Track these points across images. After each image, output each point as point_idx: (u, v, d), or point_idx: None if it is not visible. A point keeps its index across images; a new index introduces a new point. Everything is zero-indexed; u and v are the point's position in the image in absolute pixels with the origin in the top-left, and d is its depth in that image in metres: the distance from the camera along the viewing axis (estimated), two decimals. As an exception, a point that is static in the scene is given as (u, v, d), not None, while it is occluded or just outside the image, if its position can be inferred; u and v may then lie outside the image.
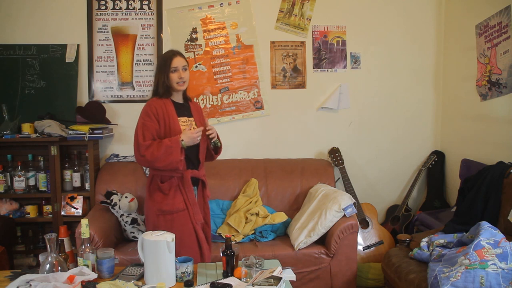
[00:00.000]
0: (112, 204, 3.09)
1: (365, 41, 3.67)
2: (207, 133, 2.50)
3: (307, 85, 3.66)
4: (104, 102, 3.53)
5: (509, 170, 2.72)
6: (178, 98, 2.54)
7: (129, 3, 3.53)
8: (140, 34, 3.55)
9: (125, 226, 3.08)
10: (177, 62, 2.44)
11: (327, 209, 2.93)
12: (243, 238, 3.09)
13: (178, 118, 2.46)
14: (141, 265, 2.02)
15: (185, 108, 2.54)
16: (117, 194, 3.16)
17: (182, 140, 2.34)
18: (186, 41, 3.56)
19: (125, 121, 3.58)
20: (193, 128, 2.46)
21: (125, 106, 3.58)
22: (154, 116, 2.41)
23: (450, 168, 3.65)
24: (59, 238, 2.03)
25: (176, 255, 1.98)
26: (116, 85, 3.57)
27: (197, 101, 3.60)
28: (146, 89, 3.59)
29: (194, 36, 3.57)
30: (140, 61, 3.57)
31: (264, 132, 3.67)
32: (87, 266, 1.93)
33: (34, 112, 3.34)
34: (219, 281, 1.89)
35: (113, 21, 3.53)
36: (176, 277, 1.94)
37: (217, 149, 2.63)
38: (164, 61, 2.46)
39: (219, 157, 3.57)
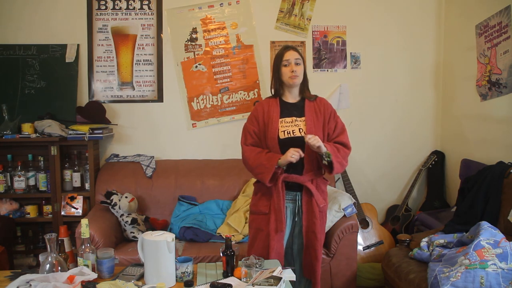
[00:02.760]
0: (112, 204, 3.09)
1: (365, 41, 3.67)
2: (305, 140, 2.21)
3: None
4: (104, 102, 3.53)
5: (509, 170, 2.72)
6: (291, 97, 2.42)
7: (129, 3, 3.53)
8: (140, 34, 3.55)
9: (125, 226, 3.08)
10: (290, 55, 2.35)
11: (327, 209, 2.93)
12: (243, 238, 3.08)
13: (282, 118, 2.34)
14: (141, 265, 2.01)
15: (296, 108, 2.39)
16: (117, 194, 3.16)
17: (279, 159, 2.25)
18: (186, 41, 3.57)
19: (125, 121, 3.58)
20: (300, 129, 2.31)
21: (125, 106, 3.58)
22: (255, 118, 2.41)
23: (450, 168, 3.65)
24: (59, 238, 2.03)
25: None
26: (116, 85, 3.57)
27: (198, 101, 3.60)
28: (146, 89, 3.59)
29: (194, 36, 3.58)
30: (140, 61, 3.57)
31: (264, 132, 3.67)
32: (87, 266, 1.93)
33: (34, 112, 3.34)
34: (219, 281, 1.89)
35: (113, 21, 3.53)
36: (176, 277, 1.94)
37: (330, 165, 2.27)
38: (277, 57, 2.39)
39: (219, 157, 3.60)
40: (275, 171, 2.26)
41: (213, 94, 3.61)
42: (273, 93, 2.46)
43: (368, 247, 3.42)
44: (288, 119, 2.35)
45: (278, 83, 2.41)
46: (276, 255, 2.31)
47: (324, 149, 2.22)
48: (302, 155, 2.24)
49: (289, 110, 2.38)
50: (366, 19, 3.65)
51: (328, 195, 3.04)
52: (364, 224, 3.49)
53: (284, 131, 2.32)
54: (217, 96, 3.62)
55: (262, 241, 2.35)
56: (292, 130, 2.32)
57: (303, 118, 2.35)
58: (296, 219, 2.39)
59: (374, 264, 3.26)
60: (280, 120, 2.35)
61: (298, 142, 2.28)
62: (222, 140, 3.64)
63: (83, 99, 3.54)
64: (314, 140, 2.18)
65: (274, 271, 1.88)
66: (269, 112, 2.37)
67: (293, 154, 2.21)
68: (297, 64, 2.35)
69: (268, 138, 2.33)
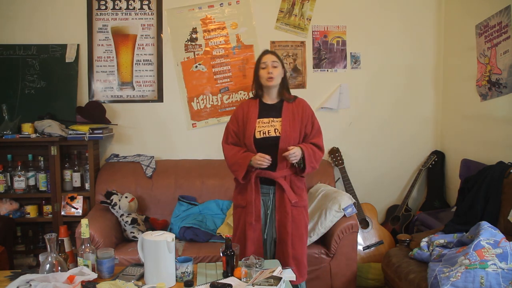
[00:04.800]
0: (112, 204, 3.09)
1: (365, 41, 3.67)
2: (283, 154, 2.37)
3: (307, 85, 3.66)
4: (104, 102, 3.53)
5: (509, 170, 2.72)
6: (270, 98, 2.54)
7: (129, 3, 3.53)
8: (140, 34, 3.55)
9: (125, 226, 3.08)
10: (267, 58, 2.49)
11: (327, 209, 2.94)
12: (243, 238, 3.08)
13: (260, 119, 2.46)
14: (141, 265, 2.02)
15: (274, 109, 2.50)
16: (117, 194, 3.16)
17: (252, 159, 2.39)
18: (186, 41, 3.56)
19: (125, 121, 3.58)
20: (276, 129, 2.42)
21: (125, 106, 3.58)
22: (235, 118, 2.54)
23: (450, 168, 3.65)
24: (59, 238, 2.03)
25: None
26: (116, 85, 3.57)
27: (198, 101, 3.60)
28: (146, 89, 3.59)
29: (194, 36, 3.58)
30: (140, 61, 3.57)
31: (264, 132, 3.67)
32: (87, 266, 1.93)
33: (34, 112, 3.34)
34: (219, 281, 1.89)
35: (113, 21, 3.53)
36: (176, 277, 1.94)
37: (302, 169, 2.44)
38: (257, 61, 2.54)
39: (219, 157, 3.58)
40: (248, 169, 2.40)
41: (213, 94, 3.61)
42: (254, 95, 2.58)
43: (368, 247, 3.42)
44: (266, 120, 2.47)
45: (257, 85, 2.54)
46: (252, 245, 2.43)
47: (297, 160, 2.37)
48: (269, 163, 2.36)
49: (267, 111, 2.50)
50: (366, 19, 3.65)
51: (328, 195, 3.08)
52: (364, 224, 3.49)
53: (260, 131, 2.44)
54: (217, 96, 3.62)
55: (241, 231, 2.48)
56: (268, 130, 2.44)
57: (280, 119, 2.45)
58: (269, 212, 2.47)
59: (374, 264, 3.26)
60: (258, 120, 2.47)
61: (272, 141, 2.41)
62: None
63: (83, 99, 3.53)
64: (292, 158, 2.33)
65: (274, 271, 1.88)
66: (248, 113, 2.50)
67: (259, 161, 2.35)
68: (274, 66, 2.47)
69: (246, 137, 2.46)
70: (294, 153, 2.34)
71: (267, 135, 2.43)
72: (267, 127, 2.44)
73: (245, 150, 2.46)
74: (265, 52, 2.54)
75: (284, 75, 2.54)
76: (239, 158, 2.44)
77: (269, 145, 2.40)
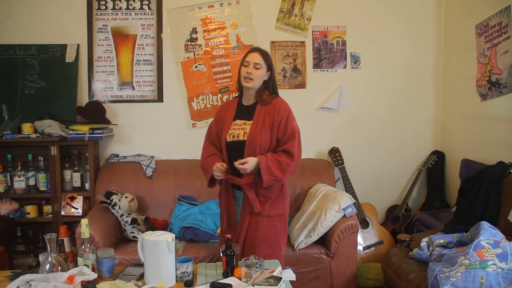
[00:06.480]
0: (112, 204, 3.09)
1: (365, 41, 3.67)
2: (234, 163, 2.23)
3: (307, 85, 3.66)
4: (104, 102, 3.53)
5: (509, 170, 2.72)
6: (247, 99, 2.40)
7: (129, 3, 3.53)
8: (140, 34, 3.55)
9: (125, 226, 3.08)
10: (251, 57, 2.32)
11: (327, 209, 2.94)
12: (243, 238, 3.08)
13: (234, 121, 2.35)
14: (141, 265, 2.02)
15: (249, 111, 2.36)
16: (117, 194, 3.16)
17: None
18: (186, 41, 3.57)
19: (125, 121, 3.58)
20: (245, 133, 2.29)
21: (125, 106, 3.58)
22: (216, 118, 2.47)
23: (450, 168, 3.65)
24: (59, 238, 2.03)
25: None
26: (116, 85, 3.57)
27: (198, 101, 3.60)
28: (146, 89, 3.59)
29: (194, 36, 3.58)
30: (140, 61, 3.57)
31: (264, 132, 3.67)
32: (87, 266, 1.93)
33: (34, 112, 3.34)
34: (219, 281, 1.89)
35: (113, 21, 3.53)
36: (176, 277, 1.94)
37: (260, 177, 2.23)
38: (244, 56, 2.37)
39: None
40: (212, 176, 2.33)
41: (213, 94, 3.61)
42: (237, 94, 2.48)
43: (368, 247, 3.42)
44: (239, 122, 2.35)
45: (239, 84, 2.41)
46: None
47: (252, 168, 2.21)
48: (221, 175, 2.28)
49: (243, 113, 2.38)
50: (366, 19, 3.65)
51: (328, 195, 3.07)
52: (364, 224, 3.49)
53: (231, 134, 2.33)
54: (217, 96, 3.62)
55: (223, 231, 2.45)
56: (238, 134, 2.31)
57: (250, 122, 2.31)
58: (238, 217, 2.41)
59: (374, 264, 3.26)
60: (233, 122, 2.36)
61: (241, 146, 2.28)
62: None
63: (83, 99, 3.53)
64: (242, 169, 2.19)
65: (274, 271, 1.88)
66: (226, 114, 2.41)
67: (215, 172, 2.28)
68: (256, 68, 2.30)
69: (220, 139, 2.38)
70: (244, 166, 2.17)
71: (236, 139, 2.30)
72: (238, 130, 2.31)
73: (214, 154, 2.39)
74: (253, 50, 2.37)
75: (270, 76, 2.36)
76: (206, 163, 2.37)
77: (239, 149, 2.27)
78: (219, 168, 2.28)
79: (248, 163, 2.19)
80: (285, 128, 2.27)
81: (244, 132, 2.30)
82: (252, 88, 2.34)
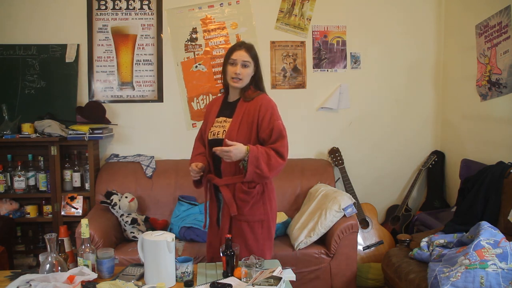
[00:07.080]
0: (112, 204, 3.09)
1: (365, 41, 3.67)
2: (213, 149, 2.13)
3: (307, 85, 3.67)
4: (104, 102, 3.53)
5: (509, 170, 2.72)
6: (232, 96, 2.29)
7: (129, 3, 3.53)
8: (140, 34, 3.55)
9: (125, 226, 3.08)
10: (238, 55, 2.18)
11: (327, 209, 2.94)
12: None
13: (217, 118, 2.27)
14: (141, 265, 2.02)
15: (230, 107, 2.26)
16: (117, 194, 3.16)
17: None
18: (186, 41, 3.57)
19: (125, 121, 3.58)
20: (224, 131, 2.19)
21: (125, 106, 3.58)
22: (204, 115, 2.43)
23: (450, 168, 3.65)
24: (59, 238, 2.03)
25: None
26: (116, 85, 3.57)
27: (198, 101, 3.60)
28: (146, 89, 3.59)
29: (194, 36, 3.58)
30: (140, 61, 3.57)
31: (264, 132, 3.67)
32: (87, 266, 1.93)
33: (34, 112, 3.35)
34: (219, 281, 1.89)
35: (113, 21, 3.53)
36: (176, 277, 1.94)
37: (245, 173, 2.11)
38: (228, 52, 2.22)
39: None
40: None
41: (213, 94, 3.61)
42: (224, 91, 2.38)
43: (368, 247, 3.42)
44: (220, 119, 2.25)
45: (224, 82, 2.30)
46: (209, 247, 2.37)
47: (237, 157, 2.06)
48: (196, 176, 2.23)
49: (225, 109, 2.28)
50: (366, 19, 3.65)
51: (328, 195, 3.07)
52: (364, 224, 3.49)
53: (212, 131, 2.24)
54: (217, 96, 3.61)
55: (209, 235, 2.42)
56: (217, 132, 2.21)
57: (230, 119, 2.21)
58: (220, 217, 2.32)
59: (374, 264, 3.26)
60: (216, 119, 2.27)
61: (219, 144, 2.15)
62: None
63: (83, 99, 3.53)
64: (225, 157, 2.05)
65: (274, 271, 1.88)
66: (211, 111, 2.34)
67: (191, 172, 2.23)
68: (244, 66, 2.18)
69: (204, 137, 2.32)
70: (229, 151, 2.01)
71: (216, 137, 2.20)
72: (218, 127, 2.22)
73: (202, 152, 2.34)
74: (239, 46, 2.21)
75: (256, 71, 2.24)
76: (189, 164, 2.31)
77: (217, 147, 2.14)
78: (193, 169, 2.22)
79: (235, 148, 2.03)
80: (270, 127, 2.13)
81: (224, 130, 2.19)
82: (241, 87, 2.24)
